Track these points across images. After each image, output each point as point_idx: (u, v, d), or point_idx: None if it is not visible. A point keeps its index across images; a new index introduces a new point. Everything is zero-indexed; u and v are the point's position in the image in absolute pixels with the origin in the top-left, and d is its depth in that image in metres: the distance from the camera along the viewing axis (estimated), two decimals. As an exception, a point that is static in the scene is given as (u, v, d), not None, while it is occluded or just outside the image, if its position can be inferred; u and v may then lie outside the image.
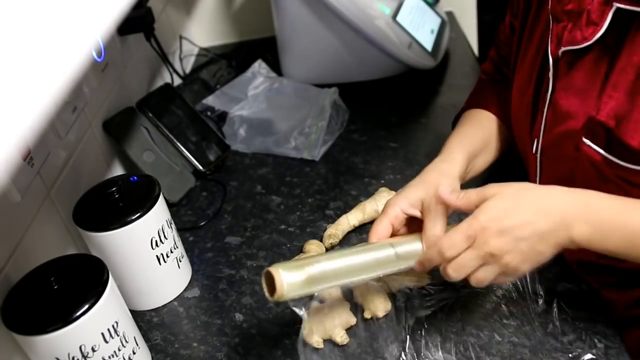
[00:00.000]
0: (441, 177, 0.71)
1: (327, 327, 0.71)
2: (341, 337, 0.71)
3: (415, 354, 0.68)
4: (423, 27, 1.18)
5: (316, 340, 0.70)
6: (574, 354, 0.66)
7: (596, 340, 0.67)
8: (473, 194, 0.61)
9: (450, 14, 1.40)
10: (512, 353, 0.67)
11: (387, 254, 0.64)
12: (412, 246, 0.65)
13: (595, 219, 0.58)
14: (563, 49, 0.64)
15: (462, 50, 1.30)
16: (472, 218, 0.59)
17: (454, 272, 0.60)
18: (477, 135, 0.80)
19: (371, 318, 0.73)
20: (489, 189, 0.61)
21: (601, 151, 0.62)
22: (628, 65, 0.59)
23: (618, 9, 0.58)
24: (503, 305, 0.73)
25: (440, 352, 0.68)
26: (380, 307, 0.72)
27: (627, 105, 0.59)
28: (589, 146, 0.63)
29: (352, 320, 0.72)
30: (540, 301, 0.72)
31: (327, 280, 0.62)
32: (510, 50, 0.82)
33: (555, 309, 0.71)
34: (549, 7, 0.67)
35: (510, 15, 0.83)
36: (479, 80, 0.93)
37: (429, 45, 1.16)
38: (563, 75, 0.66)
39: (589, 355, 0.65)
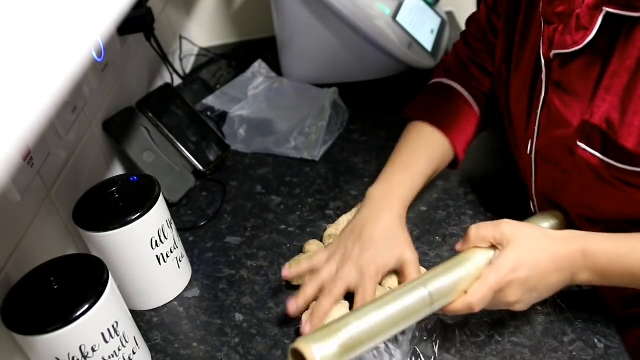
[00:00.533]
0: (399, 223, 0.75)
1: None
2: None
3: (415, 354, 0.69)
4: (423, 27, 1.18)
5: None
6: (574, 354, 0.66)
7: (596, 340, 0.67)
8: (489, 229, 0.64)
9: (450, 14, 1.40)
10: (512, 353, 0.67)
11: (421, 297, 0.61)
12: (445, 280, 0.62)
13: (595, 267, 0.62)
14: (554, 51, 0.65)
15: (462, 50, 1.30)
16: (497, 270, 0.62)
17: (472, 312, 0.64)
18: (424, 164, 0.82)
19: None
20: (506, 229, 0.64)
21: (597, 154, 0.62)
22: (620, 69, 0.59)
23: (608, 13, 0.58)
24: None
25: (440, 352, 0.69)
26: (386, 279, 0.74)
27: (620, 109, 0.59)
28: (584, 150, 0.63)
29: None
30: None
31: (363, 343, 0.57)
32: (483, 43, 0.84)
33: (555, 309, 0.71)
34: (540, 9, 0.67)
35: (489, 10, 0.83)
36: (430, 84, 0.92)
37: (429, 45, 1.16)
38: (556, 78, 0.66)
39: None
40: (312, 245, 0.83)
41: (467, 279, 0.63)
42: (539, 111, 0.69)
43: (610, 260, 0.61)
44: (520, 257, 0.62)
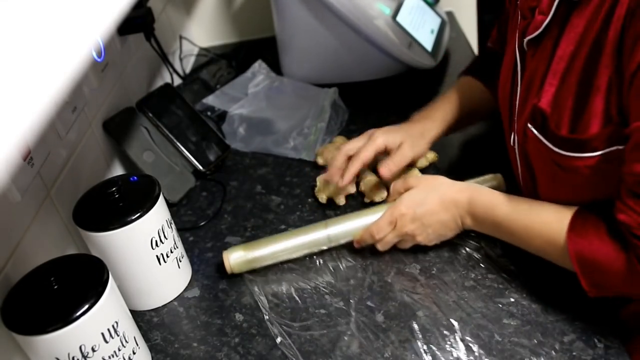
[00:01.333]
0: (422, 133, 0.90)
1: (332, 190, 0.92)
2: (340, 200, 0.92)
3: (415, 354, 0.69)
4: (423, 27, 1.18)
5: (322, 197, 0.93)
6: (574, 354, 0.66)
7: (596, 340, 0.67)
8: (400, 183, 0.83)
9: (450, 14, 1.40)
10: (512, 353, 0.67)
11: (321, 236, 0.82)
12: (343, 227, 0.83)
13: (474, 213, 0.76)
14: (524, 40, 0.68)
15: (462, 50, 1.30)
16: (394, 207, 0.79)
17: (382, 247, 0.81)
18: (462, 104, 0.92)
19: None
20: (410, 180, 0.82)
21: (538, 135, 0.66)
22: (564, 55, 0.61)
23: None
24: (504, 306, 0.73)
25: (440, 352, 0.69)
26: (377, 194, 0.91)
27: (561, 93, 0.62)
28: (532, 131, 0.66)
29: (352, 189, 0.93)
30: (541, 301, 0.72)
31: (266, 260, 0.83)
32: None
33: (555, 308, 0.71)
34: (519, 3, 0.70)
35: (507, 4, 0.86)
36: (485, 48, 0.98)
37: (429, 45, 1.16)
38: (528, 67, 0.68)
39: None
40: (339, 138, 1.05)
41: (363, 225, 0.81)
42: (516, 103, 0.71)
43: (485, 210, 0.74)
44: (413, 197, 0.79)
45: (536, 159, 0.69)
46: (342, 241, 0.83)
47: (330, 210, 0.93)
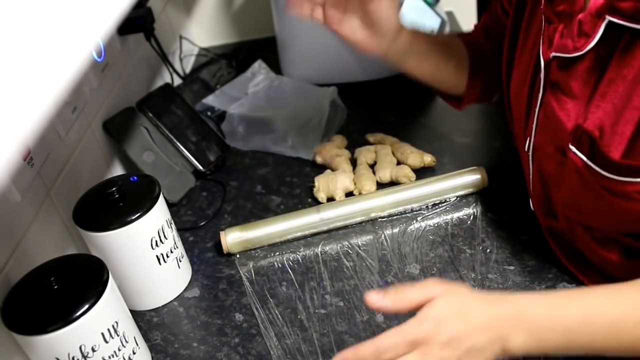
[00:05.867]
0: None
1: (331, 189, 0.93)
2: (339, 197, 0.93)
3: (415, 354, 0.69)
4: (423, 27, 1.18)
5: (321, 197, 0.93)
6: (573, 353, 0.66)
7: (596, 340, 0.67)
8: (415, 293, 0.57)
9: (450, 14, 1.40)
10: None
11: (313, 219, 0.87)
12: (335, 211, 0.87)
13: (530, 325, 0.55)
14: (554, 54, 0.64)
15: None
16: (418, 323, 0.56)
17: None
18: (441, 40, 0.89)
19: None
20: (432, 289, 0.58)
21: (585, 159, 0.62)
22: (617, 78, 0.58)
23: (610, 22, 0.58)
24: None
25: (440, 352, 0.68)
26: (366, 187, 0.93)
27: (613, 117, 0.59)
28: (574, 153, 0.63)
29: (351, 186, 0.94)
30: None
31: (262, 241, 0.87)
32: (499, 29, 0.85)
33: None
34: (542, 7, 0.67)
35: (501, 8, 0.84)
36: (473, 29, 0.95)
37: (429, 45, 1.16)
38: (554, 78, 0.66)
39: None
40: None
41: (355, 209, 0.87)
42: (537, 109, 0.69)
43: (548, 315, 0.55)
44: (446, 313, 0.56)
45: (570, 178, 0.65)
46: (333, 225, 0.88)
47: (330, 210, 0.93)
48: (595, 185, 0.62)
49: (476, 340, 0.55)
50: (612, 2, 0.57)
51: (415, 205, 0.89)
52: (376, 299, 0.57)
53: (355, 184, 0.95)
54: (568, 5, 0.62)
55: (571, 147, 0.63)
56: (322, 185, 0.94)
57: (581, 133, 0.62)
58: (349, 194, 0.94)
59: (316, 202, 0.94)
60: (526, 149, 0.73)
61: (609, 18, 0.57)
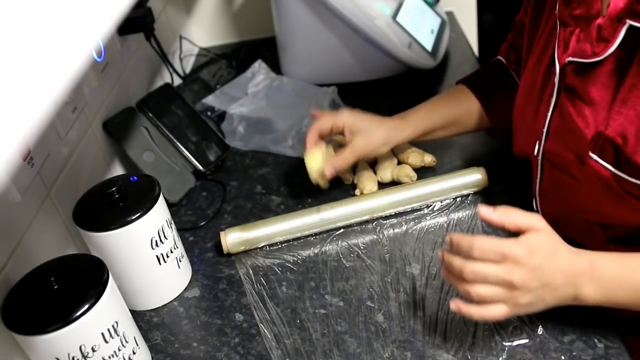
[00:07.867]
0: (389, 131, 0.88)
1: (319, 161, 0.91)
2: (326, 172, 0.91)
3: (415, 354, 0.69)
4: (423, 27, 1.18)
5: (324, 183, 0.93)
6: (574, 354, 0.66)
7: (596, 340, 0.68)
8: (522, 218, 0.61)
9: (450, 14, 1.40)
10: (512, 353, 0.67)
11: (313, 220, 0.87)
12: (334, 211, 0.88)
13: (601, 280, 0.59)
14: (571, 59, 0.63)
15: (462, 50, 1.30)
16: (515, 243, 0.59)
17: (470, 274, 0.59)
18: (445, 112, 0.90)
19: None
20: (538, 221, 0.61)
21: (609, 167, 0.61)
22: (638, 82, 0.58)
23: (631, 26, 0.57)
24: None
25: (440, 352, 0.69)
26: (367, 187, 0.92)
27: (636, 123, 0.58)
28: (596, 161, 0.62)
29: (349, 178, 0.96)
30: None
31: (261, 241, 0.87)
32: (521, 42, 0.83)
33: (555, 309, 0.71)
34: (557, 11, 0.66)
35: (523, 10, 0.83)
36: (492, 60, 0.94)
37: (429, 45, 1.16)
38: (569, 83, 0.65)
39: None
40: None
41: (354, 210, 0.87)
42: (549, 114, 0.68)
43: (618, 273, 0.59)
44: (545, 244, 0.59)
45: (592, 186, 0.65)
46: (332, 225, 0.88)
47: (330, 210, 0.93)
48: (620, 191, 0.61)
49: (555, 279, 0.59)
50: (633, 6, 0.56)
51: (415, 205, 0.89)
52: (486, 211, 0.61)
53: (356, 182, 0.95)
54: (585, 9, 0.61)
55: (592, 155, 0.62)
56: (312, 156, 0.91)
57: (603, 140, 0.61)
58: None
59: (316, 202, 0.94)
60: (535, 153, 0.72)
61: (630, 22, 0.57)
